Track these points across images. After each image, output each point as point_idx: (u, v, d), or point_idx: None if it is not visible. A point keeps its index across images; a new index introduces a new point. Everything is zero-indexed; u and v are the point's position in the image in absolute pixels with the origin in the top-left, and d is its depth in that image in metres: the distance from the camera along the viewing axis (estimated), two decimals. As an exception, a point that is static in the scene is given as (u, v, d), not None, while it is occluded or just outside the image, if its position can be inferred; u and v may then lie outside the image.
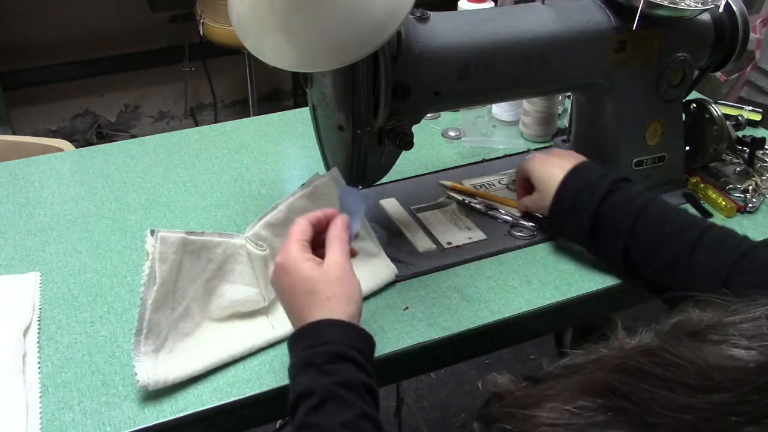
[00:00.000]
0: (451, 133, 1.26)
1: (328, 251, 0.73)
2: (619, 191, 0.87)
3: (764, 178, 1.11)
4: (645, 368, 0.43)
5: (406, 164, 1.16)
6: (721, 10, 0.99)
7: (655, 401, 0.42)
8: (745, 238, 0.82)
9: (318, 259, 0.72)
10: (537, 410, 0.45)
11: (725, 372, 0.42)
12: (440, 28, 0.88)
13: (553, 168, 0.93)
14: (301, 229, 0.74)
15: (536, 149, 1.22)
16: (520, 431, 0.46)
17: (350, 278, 0.72)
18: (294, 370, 0.68)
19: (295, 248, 0.72)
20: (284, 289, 0.72)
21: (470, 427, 0.53)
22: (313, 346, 0.67)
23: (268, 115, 1.33)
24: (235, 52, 2.42)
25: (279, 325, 0.83)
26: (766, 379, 0.41)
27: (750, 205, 1.05)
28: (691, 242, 0.80)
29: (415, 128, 0.90)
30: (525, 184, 0.99)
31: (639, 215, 0.84)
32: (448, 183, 1.09)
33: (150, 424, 0.73)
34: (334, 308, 0.69)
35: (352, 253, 0.77)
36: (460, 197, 1.06)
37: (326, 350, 0.66)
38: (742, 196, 1.06)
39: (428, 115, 1.22)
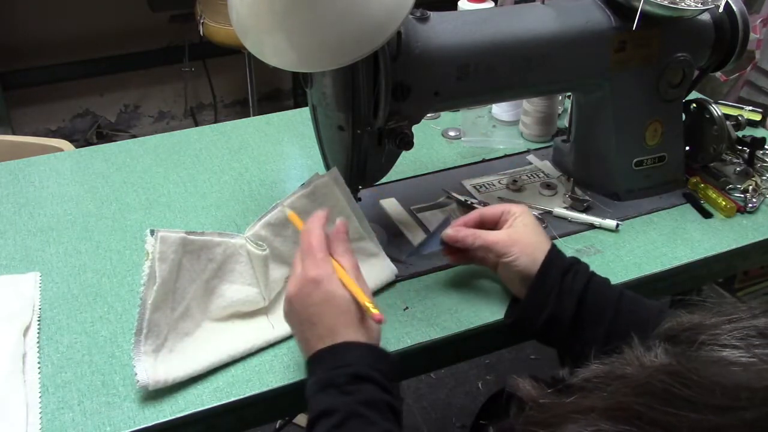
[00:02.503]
0: (451, 133, 1.26)
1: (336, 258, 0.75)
2: (596, 277, 0.82)
3: (764, 178, 1.11)
4: (671, 390, 0.43)
5: (406, 164, 1.16)
6: (721, 10, 0.99)
7: (683, 424, 0.41)
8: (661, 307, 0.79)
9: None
10: (558, 430, 0.45)
11: (753, 391, 0.41)
12: (440, 28, 0.88)
13: (541, 236, 0.85)
14: (321, 240, 0.74)
15: (536, 149, 1.22)
16: None
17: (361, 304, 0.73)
18: (315, 388, 0.67)
19: (329, 266, 0.72)
20: (314, 302, 0.71)
21: None
22: (336, 367, 0.67)
23: (268, 115, 1.33)
24: (235, 52, 2.42)
25: (279, 325, 0.83)
26: None
27: (750, 205, 1.05)
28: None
29: (415, 128, 0.90)
30: (480, 223, 0.89)
31: (619, 301, 0.79)
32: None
33: (150, 424, 0.73)
34: (364, 329, 0.71)
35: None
36: (461, 197, 1.06)
37: (347, 371, 0.66)
38: (742, 196, 1.06)
39: (428, 115, 1.22)
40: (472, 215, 0.89)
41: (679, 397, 0.42)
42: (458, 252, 0.88)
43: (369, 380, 0.66)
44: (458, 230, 0.86)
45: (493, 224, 0.88)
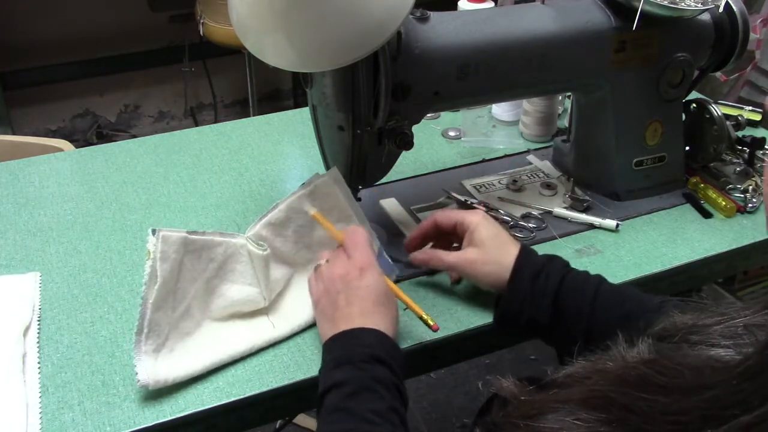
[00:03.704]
0: (451, 133, 1.26)
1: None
2: (570, 273, 0.80)
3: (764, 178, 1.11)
4: (645, 377, 0.44)
5: (406, 164, 1.16)
6: (721, 10, 0.99)
7: (653, 409, 0.42)
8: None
9: None
10: (539, 421, 0.46)
11: (715, 370, 0.42)
12: (440, 28, 0.88)
13: (504, 245, 0.82)
14: (369, 240, 0.80)
15: (536, 149, 1.22)
16: None
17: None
18: (331, 365, 0.70)
19: (374, 259, 0.78)
20: (358, 285, 0.76)
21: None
22: (353, 346, 0.71)
23: (268, 115, 1.33)
24: (235, 52, 2.42)
25: (279, 324, 0.83)
26: (750, 371, 0.41)
27: (750, 205, 1.05)
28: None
29: (415, 128, 0.90)
30: (433, 233, 0.89)
31: (595, 297, 0.78)
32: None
33: (150, 424, 0.73)
34: (391, 324, 0.76)
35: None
36: (461, 198, 1.06)
37: (364, 351, 0.70)
38: (742, 196, 1.06)
39: (428, 115, 1.22)
40: (425, 225, 0.89)
41: (653, 384, 0.43)
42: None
43: (383, 363, 0.69)
44: (415, 256, 0.89)
45: (449, 231, 0.87)
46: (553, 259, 0.81)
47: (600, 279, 0.81)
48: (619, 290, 0.80)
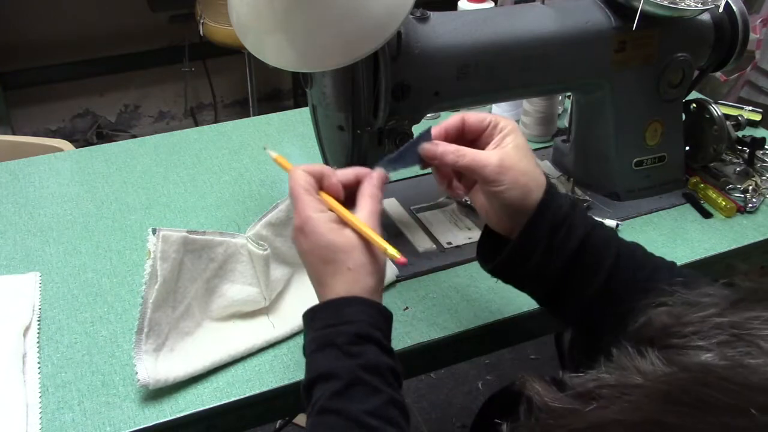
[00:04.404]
0: (451, 133, 1.26)
1: (357, 211, 0.67)
2: (594, 233, 0.70)
3: (764, 178, 1.11)
4: (704, 399, 0.41)
5: (406, 164, 1.16)
6: (721, 10, 0.99)
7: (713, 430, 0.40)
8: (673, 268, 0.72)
9: (339, 222, 0.66)
10: None
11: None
12: (440, 28, 0.88)
13: (534, 163, 0.70)
14: (303, 180, 0.67)
15: (536, 149, 1.22)
16: None
17: (375, 245, 0.65)
18: (313, 345, 0.63)
19: (311, 207, 0.65)
20: (303, 251, 0.66)
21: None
22: (335, 324, 0.62)
23: (268, 115, 1.33)
24: (235, 52, 2.42)
25: (280, 324, 0.83)
26: None
27: (750, 205, 1.05)
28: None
29: (415, 128, 0.90)
30: (455, 135, 0.72)
31: (617, 263, 0.69)
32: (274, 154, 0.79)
33: (150, 424, 0.73)
34: (355, 280, 0.64)
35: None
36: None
37: (348, 330, 0.61)
38: (742, 196, 1.06)
39: (428, 115, 1.22)
40: (453, 120, 0.72)
41: (715, 407, 0.40)
42: (435, 171, 0.74)
43: (370, 340, 0.61)
44: (437, 144, 0.70)
45: (475, 136, 0.72)
46: (576, 208, 0.70)
47: (617, 238, 0.72)
48: (633, 250, 0.72)
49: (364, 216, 0.66)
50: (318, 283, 0.66)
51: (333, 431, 0.58)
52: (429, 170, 0.71)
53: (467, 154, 0.69)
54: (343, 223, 0.66)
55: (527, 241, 0.68)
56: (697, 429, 0.40)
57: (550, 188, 0.69)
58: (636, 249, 0.72)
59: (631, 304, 0.62)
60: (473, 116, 0.72)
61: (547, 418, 0.46)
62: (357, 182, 0.70)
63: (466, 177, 0.74)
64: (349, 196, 0.70)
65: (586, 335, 0.74)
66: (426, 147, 0.71)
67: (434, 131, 0.72)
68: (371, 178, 0.69)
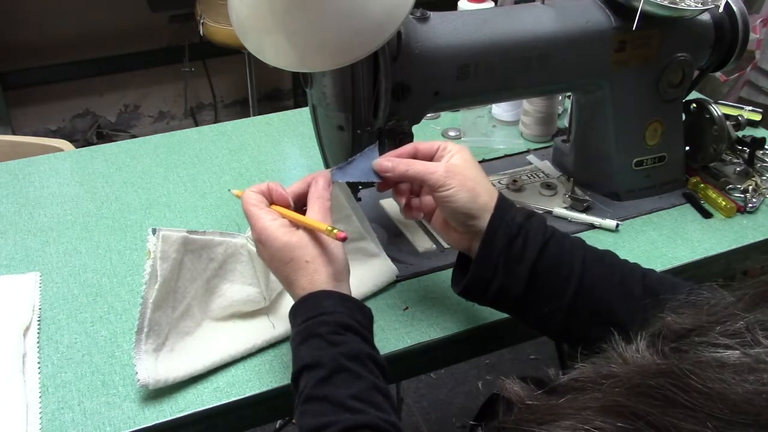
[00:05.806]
0: (451, 133, 1.26)
1: (308, 213, 0.73)
2: (554, 238, 0.73)
3: (764, 178, 1.11)
4: (670, 396, 0.42)
5: (406, 164, 1.16)
6: (721, 10, 0.99)
7: (680, 431, 0.40)
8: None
9: (291, 225, 0.72)
10: (554, 427, 0.44)
11: (760, 407, 0.40)
12: (440, 28, 0.88)
13: (482, 175, 0.75)
14: (252, 198, 0.74)
15: (536, 149, 1.22)
16: None
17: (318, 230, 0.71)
18: (298, 339, 0.67)
19: (263, 218, 0.72)
20: (267, 259, 0.73)
21: None
22: (315, 316, 0.67)
23: (268, 115, 1.33)
24: (235, 52, 2.42)
25: (280, 324, 0.83)
26: None
27: (750, 205, 1.05)
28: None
29: (415, 128, 0.90)
30: (414, 157, 0.78)
31: (584, 269, 0.71)
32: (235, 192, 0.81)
33: (150, 424, 0.73)
34: (315, 270, 0.69)
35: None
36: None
37: (329, 320, 0.66)
38: (742, 196, 1.06)
39: (428, 115, 1.22)
40: (405, 148, 0.78)
41: (678, 405, 0.41)
42: (390, 185, 0.79)
43: (351, 329, 0.66)
44: (388, 159, 0.76)
45: (427, 159, 0.77)
46: (531, 218, 0.73)
47: (583, 245, 0.74)
48: (602, 256, 0.74)
49: (313, 215, 0.72)
50: (287, 284, 0.72)
51: (320, 416, 0.61)
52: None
53: (417, 164, 0.75)
54: (295, 226, 0.72)
55: (487, 254, 0.72)
56: (659, 423, 0.41)
57: (502, 201, 0.74)
58: (605, 254, 0.75)
59: (609, 305, 0.68)
60: (424, 143, 0.78)
61: (524, 413, 0.48)
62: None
63: (426, 201, 0.79)
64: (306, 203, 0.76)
65: (568, 344, 0.75)
66: (379, 161, 0.77)
67: (389, 154, 0.78)
68: (316, 183, 0.76)
